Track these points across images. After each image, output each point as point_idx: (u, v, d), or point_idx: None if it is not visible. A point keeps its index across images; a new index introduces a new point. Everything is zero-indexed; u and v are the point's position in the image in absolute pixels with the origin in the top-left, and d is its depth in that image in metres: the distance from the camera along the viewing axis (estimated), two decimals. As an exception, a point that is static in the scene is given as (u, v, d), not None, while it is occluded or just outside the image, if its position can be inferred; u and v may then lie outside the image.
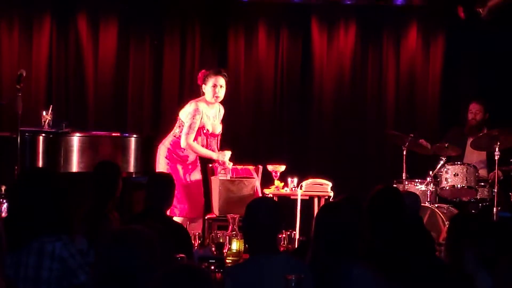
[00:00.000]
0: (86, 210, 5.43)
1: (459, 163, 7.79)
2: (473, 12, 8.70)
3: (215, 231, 6.04)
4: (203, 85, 7.25)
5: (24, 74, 7.05)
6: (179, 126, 7.27)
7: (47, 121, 7.44)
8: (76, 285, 3.77)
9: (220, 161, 7.27)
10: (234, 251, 5.49)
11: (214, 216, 7.50)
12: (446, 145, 7.79)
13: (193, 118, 7.16)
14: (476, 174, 7.70)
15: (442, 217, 7.35)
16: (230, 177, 7.66)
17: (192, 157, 7.29)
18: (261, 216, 3.88)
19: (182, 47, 9.11)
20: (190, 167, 7.28)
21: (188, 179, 7.24)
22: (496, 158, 7.49)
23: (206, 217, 7.55)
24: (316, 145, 9.20)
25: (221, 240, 5.52)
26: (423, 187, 7.76)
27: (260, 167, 7.90)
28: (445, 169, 7.71)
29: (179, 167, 7.20)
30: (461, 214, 6.73)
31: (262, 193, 7.53)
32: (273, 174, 7.65)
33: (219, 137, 7.42)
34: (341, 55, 9.24)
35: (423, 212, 7.24)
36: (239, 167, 7.88)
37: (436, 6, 9.15)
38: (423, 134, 8.20)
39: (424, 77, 9.28)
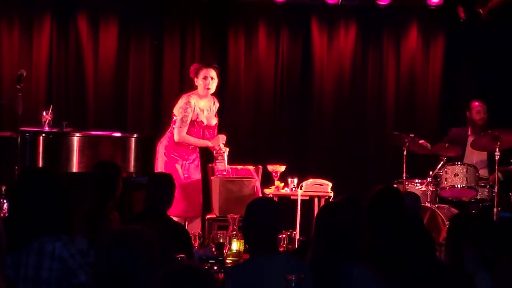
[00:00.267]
0: (86, 210, 5.43)
1: (459, 163, 7.78)
2: (473, 12, 8.70)
3: (215, 231, 6.04)
4: (195, 78, 7.30)
5: (24, 74, 7.06)
6: (174, 122, 7.30)
7: (47, 121, 7.44)
8: (76, 285, 3.77)
9: (216, 148, 7.24)
10: (234, 251, 5.50)
11: (214, 216, 7.51)
12: (446, 145, 7.78)
13: (185, 112, 7.20)
14: (477, 174, 7.70)
15: (442, 217, 7.35)
16: (230, 177, 7.67)
17: (191, 155, 7.28)
18: (261, 216, 3.88)
19: (182, 47, 9.10)
20: (188, 164, 7.26)
21: (185, 178, 7.22)
22: (496, 158, 7.49)
23: (206, 217, 7.55)
24: (316, 145, 9.19)
25: (221, 240, 5.52)
26: (423, 187, 7.76)
27: (260, 167, 7.91)
28: (445, 169, 7.71)
29: (178, 166, 7.20)
30: (461, 214, 6.73)
31: (262, 193, 7.54)
32: (273, 174, 7.65)
33: (215, 129, 7.41)
34: (341, 55, 9.24)
35: (423, 212, 7.24)
36: (239, 167, 7.89)
37: (436, 6, 9.14)
38: (423, 134, 8.20)
39: (424, 77, 9.28)
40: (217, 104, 7.47)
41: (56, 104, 8.30)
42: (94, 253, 4.45)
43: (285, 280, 3.30)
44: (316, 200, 7.65)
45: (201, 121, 7.24)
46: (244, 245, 5.36)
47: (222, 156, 7.26)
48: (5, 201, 6.14)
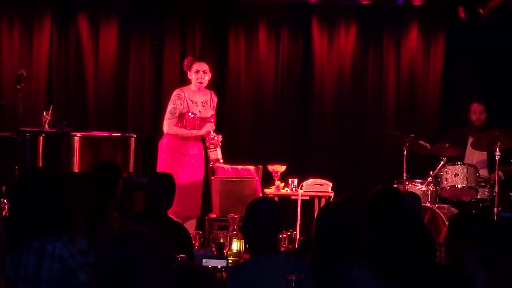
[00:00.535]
0: (86, 210, 5.43)
1: (459, 163, 7.78)
2: (474, 12, 8.70)
3: (216, 231, 6.04)
4: (188, 72, 7.32)
5: (25, 74, 7.06)
6: None
7: (47, 121, 7.44)
8: (76, 285, 3.77)
9: (208, 136, 7.18)
10: (235, 251, 5.50)
11: (215, 216, 7.51)
12: (446, 145, 7.78)
13: (173, 103, 7.24)
14: (477, 174, 7.70)
15: (443, 217, 7.35)
16: (230, 177, 7.67)
17: (193, 149, 7.23)
18: (261, 216, 3.88)
19: (182, 47, 9.10)
20: (191, 161, 7.21)
21: (185, 179, 7.16)
22: (496, 158, 7.49)
23: (206, 217, 7.55)
24: (317, 145, 9.19)
25: (221, 240, 5.53)
26: (423, 187, 7.76)
27: (261, 167, 7.91)
28: (446, 169, 7.70)
29: (178, 167, 7.16)
30: (461, 214, 6.74)
31: (263, 193, 7.54)
32: (274, 174, 7.66)
33: (213, 122, 7.35)
34: (342, 55, 9.24)
35: (423, 212, 7.24)
36: (239, 167, 7.89)
37: (436, 6, 9.14)
38: (423, 134, 8.20)
39: (425, 77, 9.28)
40: (215, 99, 7.45)
41: (56, 104, 8.31)
42: (94, 253, 4.45)
43: (286, 280, 3.30)
44: (316, 200, 7.66)
45: (193, 112, 7.21)
46: (245, 245, 5.36)
47: (214, 144, 7.21)
48: (5, 201, 6.14)
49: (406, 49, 9.28)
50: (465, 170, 7.65)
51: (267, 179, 7.81)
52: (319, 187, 7.63)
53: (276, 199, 7.23)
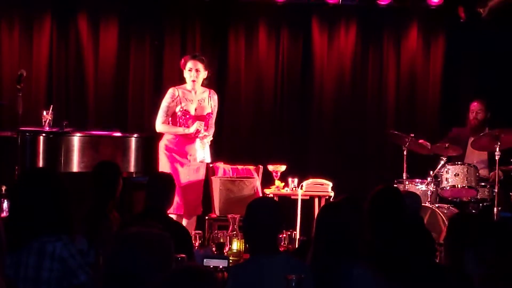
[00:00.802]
0: (86, 210, 5.43)
1: (459, 163, 7.78)
2: (474, 12, 8.70)
3: (216, 231, 6.04)
4: (184, 70, 7.27)
5: (25, 74, 7.06)
6: None
7: (47, 121, 7.44)
8: (76, 285, 3.77)
9: (199, 136, 7.09)
10: (235, 251, 5.50)
11: (215, 216, 7.51)
12: (446, 145, 7.78)
13: (165, 102, 7.20)
14: (477, 174, 7.69)
15: (443, 217, 7.35)
16: (230, 177, 7.67)
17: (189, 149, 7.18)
18: (261, 216, 3.88)
19: (182, 47, 9.10)
20: (188, 160, 7.14)
21: (182, 177, 7.11)
22: (496, 158, 7.49)
23: (206, 217, 7.56)
24: (317, 145, 9.20)
25: (221, 240, 5.53)
26: (423, 187, 7.76)
27: (261, 167, 7.91)
28: (446, 169, 7.70)
29: (178, 166, 7.13)
30: (461, 214, 6.72)
31: (263, 193, 7.54)
32: (274, 174, 7.66)
33: (208, 120, 7.24)
34: (342, 55, 9.24)
35: (423, 212, 7.24)
36: (239, 167, 7.89)
37: (436, 6, 9.14)
38: (423, 134, 8.18)
39: (425, 77, 9.28)
40: (215, 97, 7.34)
41: (56, 104, 8.30)
42: (94, 253, 4.45)
43: (286, 280, 3.30)
44: (316, 200, 7.66)
45: (185, 110, 7.15)
46: (245, 245, 5.36)
47: (202, 143, 7.07)
48: (5, 201, 6.15)
49: (406, 49, 9.28)
50: (465, 170, 7.65)
51: (267, 179, 7.81)
52: (319, 187, 7.63)
53: (276, 199, 7.23)
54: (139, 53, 9.10)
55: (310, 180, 7.67)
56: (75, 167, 7.26)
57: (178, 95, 7.18)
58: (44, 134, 7.23)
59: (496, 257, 2.89)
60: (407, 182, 7.74)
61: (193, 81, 7.17)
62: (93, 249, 4.47)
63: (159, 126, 7.18)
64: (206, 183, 7.65)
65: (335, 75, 9.23)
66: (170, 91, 7.25)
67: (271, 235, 3.90)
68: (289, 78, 9.26)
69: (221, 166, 7.91)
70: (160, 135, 7.41)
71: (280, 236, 5.40)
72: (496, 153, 7.49)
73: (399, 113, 9.27)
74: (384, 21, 9.30)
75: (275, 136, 9.22)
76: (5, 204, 6.17)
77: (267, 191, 7.58)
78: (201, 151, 7.06)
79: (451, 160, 7.87)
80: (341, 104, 9.24)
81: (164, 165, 7.14)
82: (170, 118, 7.19)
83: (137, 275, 2.77)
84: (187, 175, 7.12)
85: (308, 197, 7.63)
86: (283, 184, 7.65)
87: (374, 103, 9.29)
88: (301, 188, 7.57)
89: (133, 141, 7.58)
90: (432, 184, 7.74)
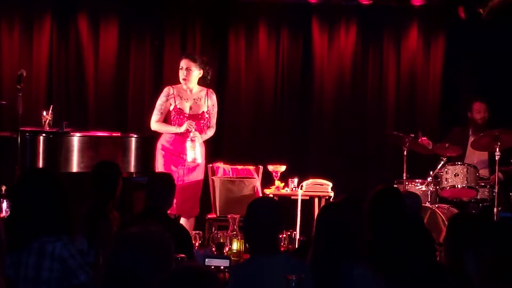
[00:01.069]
0: (86, 210, 5.43)
1: (459, 163, 7.78)
2: (474, 12, 8.70)
3: (216, 231, 6.04)
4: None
5: (25, 74, 7.05)
6: None
7: (47, 121, 7.44)
8: (76, 285, 3.77)
9: (190, 136, 7.02)
10: (235, 251, 5.50)
11: (215, 216, 7.51)
12: (446, 145, 7.78)
13: (159, 100, 7.17)
14: (477, 174, 7.70)
15: (443, 217, 7.35)
16: (230, 177, 7.66)
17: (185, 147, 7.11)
18: (262, 216, 3.88)
19: (182, 47, 9.10)
20: (185, 160, 7.08)
21: (179, 177, 7.07)
22: (496, 158, 7.49)
23: (206, 217, 7.56)
24: (317, 145, 9.20)
25: (221, 240, 5.53)
26: (423, 187, 7.76)
27: (261, 167, 7.91)
28: (446, 169, 7.71)
29: (172, 165, 7.08)
30: (461, 214, 6.73)
31: (263, 193, 7.54)
32: (274, 174, 7.66)
33: (210, 119, 7.18)
34: (342, 55, 9.24)
35: (423, 212, 7.24)
36: (239, 167, 7.89)
37: (436, 6, 9.14)
38: (423, 134, 8.18)
39: (425, 77, 9.28)
40: (213, 97, 7.24)
41: (56, 104, 8.31)
42: (94, 253, 4.45)
43: (286, 280, 3.30)
44: (316, 200, 7.66)
45: (181, 109, 7.13)
46: (245, 245, 5.36)
47: (192, 142, 7.00)
48: (4, 200, 6.14)
49: (406, 49, 9.28)
50: (465, 170, 7.65)
51: (267, 179, 7.81)
52: (319, 187, 7.63)
53: (276, 199, 7.23)
54: (139, 53, 9.10)
55: (310, 180, 7.67)
56: (75, 167, 7.26)
57: (173, 93, 7.13)
58: (44, 134, 7.23)
59: (496, 257, 2.89)
60: (407, 182, 7.74)
61: (184, 79, 7.13)
62: (93, 249, 4.47)
63: (153, 125, 7.16)
64: (206, 183, 7.65)
65: (335, 75, 9.23)
66: (165, 89, 7.22)
67: (272, 235, 3.90)
68: (289, 78, 9.26)
69: (221, 166, 7.91)
70: (160, 135, 7.41)
71: (280, 236, 5.40)
72: (496, 153, 7.49)
73: (399, 113, 9.27)
74: (384, 21, 9.30)
75: (275, 136, 9.22)
76: (5, 204, 6.17)
77: (267, 191, 7.59)
78: (191, 152, 6.98)
79: (451, 160, 7.88)
80: (341, 104, 9.24)
81: (159, 165, 7.10)
82: (165, 117, 7.16)
83: (137, 275, 2.77)
84: (182, 175, 7.08)
85: (308, 197, 7.64)
86: (283, 184, 7.65)
87: (374, 103, 9.29)
88: (301, 188, 7.57)
89: (133, 141, 7.58)
90: (432, 184, 7.74)
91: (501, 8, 8.59)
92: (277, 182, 7.62)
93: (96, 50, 8.98)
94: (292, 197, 7.60)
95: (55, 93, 8.93)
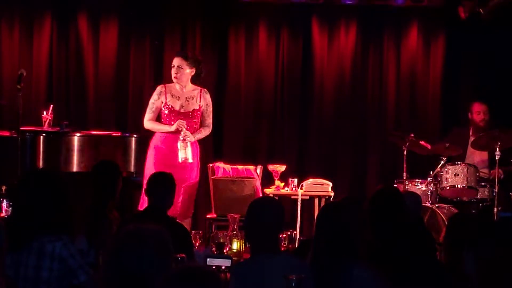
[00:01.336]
0: (86, 210, 5.43)
1: (459, 163, 7.78)
2: (474, 12, 8.70)
3: (216, 231, 6.04)
4: None
5: (25, 74, 7.06)
6: None
7: (47, 121, 7.44)
8: (76, 285, 3.77)
9: (181, 135, 6.92)
10: (235, 251, 5.50)
11: (214, 216, 7.51)
12: (446, 145, 7.78)
13: (151, 98, 7.15)
14: (477, 174, 7.70)
15: (443, 217, 7.35)
16: (230, 177, 7.66)
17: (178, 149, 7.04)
18: (263, 215, 3.88)
19: (182, 47, 9.08)
20: (177, 159, 7.00)
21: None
22: (496, 158, 7.49)
23: (206, 217, 7.56)
24: (317, 145, 9.19)
25: (221, 240, 5.53)
26: (423, 187, 7.76)
27: (261, 167, 7.91)
28: (446, 169, 7.71)
29: (163, 165, 6.98)
30: (461, 214, 6.74)
31: (263, 193, 7.54)
32: (274, 174, 7.66)
33: (198, 118, 7.09)
34: (342, 55, 9.24)
35: (423, 212, 7.24)
36: (239, 167, 7.89)
37: (436, 6, 9.14)
38: (423, 134, 8.19)
39: (425, 77, 9.28)
40: (206, 96, 7.15)
41: (56, 104, 8.30)
42: (94, 253, 4.46)
43: (286, 280, 3.31)
44: (316, 200, 7.66)
45: (172, 107, 7.06)
46: (245, 245, 5.37)
47: (183, 142, 6.93)
48: (5, 200, 6.15)
49: (406, 49, 9.27)
50: (465, 170, 7.65)
51: (267, 179, 7.81)
52: (319, 187, 7.63)
53: (276, 199, 7.23)
54: (139, 53, 9.10)
55: (310, 180, 7.67)
56: (75, 167, 7.26)
57: (164, 91, 7.12)
58: (44, 134, 7.23)
59: (496, 257, 2.90)
60: (407, 182, 7.74)
61: (175, 77, 7.09)
62: (93, 249, 4.48)
63: (146, 123, 7.14)
64: (206, 183, 7.64)
65: (335, 75, 9.23)
66: (158, 87, 7.20)
67: (273, 235, 3.90)
68: (289, 78, 9.25)
69: (221, 166, 7.90)
70: (153, 134, 7.37)
71: (281, 236, 5.40)
72: (496, 153, 7.49)
73: (399, 113, 9.26)
74: (384, 21, 9.29)
75: (275, 136, 9.21)
76: (5, 204, 6.17)
77: (267, 191, 7.59)
78: (182, 151, 6.92)
79: (451, 160, 7.88)
80: (341, 104, 9.23)
81: (149, 164, 7.04)
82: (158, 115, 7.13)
83: (137, 273, 2.77)
84: (175, 174, 6.98)
85: (308, 197, 7.64)
86: (283, 184, 7.65)
87: (374, 103, 9.29)
88: (301, 188, 7.57)
89: (133, 141, 7.58)
90: (432, 184, 7.74)
91: (501, 8, 8.59)
92: (277, 182, 7.63)
93: (96, 50, 8.98)
94: (292, 197, 7.60)
95: (55, 93, 8.93)
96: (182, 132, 6.90)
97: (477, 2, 8.57)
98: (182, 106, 7.06)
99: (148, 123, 7.11)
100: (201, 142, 7.35)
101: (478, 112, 8.14)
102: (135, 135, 7.66)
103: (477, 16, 8.63)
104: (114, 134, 7.71)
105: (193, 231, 5.79)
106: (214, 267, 4.65)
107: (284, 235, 5.66)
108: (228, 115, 9.02)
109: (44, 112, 7.51)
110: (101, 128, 8.03)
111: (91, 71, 8.96)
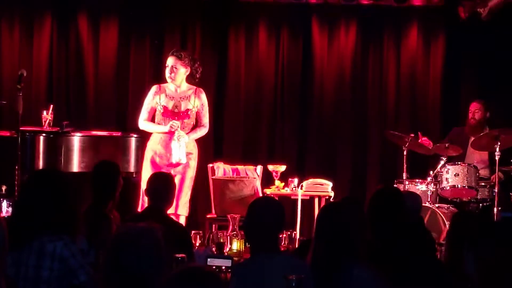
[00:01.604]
0: (86, 210, 5.42)
1: (459, 163, 7.79)
2: (474, 12, 8.70)
3: (215, 231, 6.04)
4: None
5: (25, 74, 7.05)
6: None
7: (47, 121, 7.44)
8: (76, 285, 3.77)
9: (175, 136, 6.91)
10: (235, 251, 5.50)
11: (214, 216, 7.51)
12: (446, 145, 7.79)
13: (146, 99, 7.15)
14: (477, 174, 7.70)
15: (443, 217, 7.36)
16: (230, 177, 7.66)
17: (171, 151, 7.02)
18: (263, 216, 3.89)
19: (182, 47, 9.08)
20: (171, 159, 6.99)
21: None
22: (496, 158, 7.50)
23: (206, 217, 7.56)
24: (317, 145, 9.19)
25: (221, 240, 5.53)
26: (423, 187, 7.76)
27: (261, 167, 7.91)
28: (446, 169, 7.71)
29: (158, 165, 6.99)
30: (461, 214, 6.72)
31: (263, 193, 7.54)
32: (274, 174, 7.66)
33: (186, 116, 7.07)
34: (342, 55, 9.24)
35: (423, 212, 7.24)
36: (239, 167, 7.89)
37: (436, 6, 9.14)
38: (423, 134, 8.19)
39: (425, 77, 9.28)
40: (202, 96, 7.13)
41: (57, 104, 8.30)
42: (94, 253, 4.46)
43: (286, 280, 3.31)
44: (316, 200, 7.66)
45: (165, 106, 7.04)
46: (245, 245, 5.37)
47: (177, 143, 6.90)
48: (5, 200, 6.15)
49: (406, 49, 9.27)
50: (465, 170, 7.65)
51: (267, 179, 7.81)
52: (319, 187, 7.63)
53: (276, 199, 7.23)
54: (139, 53, 9.10)
55: (310, 180, 7.67)
56: (75, 167, 7.26)
57: (158, 90, 7.12)
58: (44, 134, 7.23)
59: (496, 257, 2.90)
60: (407, 182, 7.74)
61: (169, 77, 7.09)
62: (93, 249, 4.48)
63: (140, 123, 7.14)
64: (206, 183, 7.64)
65: (335, 75, 9.23)
66: (152, 87, 7.20)
67: (273, 235, 3.90)
68: (289, 78, 9.25)
69: (221, 166, 7.90)
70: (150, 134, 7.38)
71: (281, 236, 5.40)
72: (496, 153, 7.49)
73: (399, 113, 9.27)
74: (384, 21, 9.29)
75: (275, 136, 9.21)
76: (5, 204, 6.17)
77: (267, 191, 7.59)
78: (177, 152, 6.93)
79: (451, 160, 7.88)
80: (341, 104, 9.23)
81: (145, 165, 7.05)
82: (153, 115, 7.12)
83: (135, 272, 2.78)
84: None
85: (308, 197, 7.64)
86: (283, 184, 7.65)
87: (374, 103, 9.29)
88: (301, 188, 7.57)
89: (133, 141, 7.58)
90: (432, 184, 7.74)
91: (501, 8, 8.60)
92: (277, 182, 7.62)
93: (96, 50, 8.98)
94: (292, 197, 7.60)
95: (55, 93, 8.93)
96: (175, 133, 6.90)
97: (477, 2, 8.57)
98: (176, 106, 7.06)
99: (143, 123, 7.11)
100: (201, 142, 7.36)
101: (470, 111, 8.18)
102: (135, 135, 7.65)
103: (477, 16, 8.63)
104: (114, 134, 7.71)
105: (193, 231, 5.79)
106: (214, 267, 4.65)
107: (284, 235, 5.66)
108: (228, 115, 9.02)
109: (44, 112, 7.51)
110: (101, 128, 8.03)
111: (91, 71, 8.96)
